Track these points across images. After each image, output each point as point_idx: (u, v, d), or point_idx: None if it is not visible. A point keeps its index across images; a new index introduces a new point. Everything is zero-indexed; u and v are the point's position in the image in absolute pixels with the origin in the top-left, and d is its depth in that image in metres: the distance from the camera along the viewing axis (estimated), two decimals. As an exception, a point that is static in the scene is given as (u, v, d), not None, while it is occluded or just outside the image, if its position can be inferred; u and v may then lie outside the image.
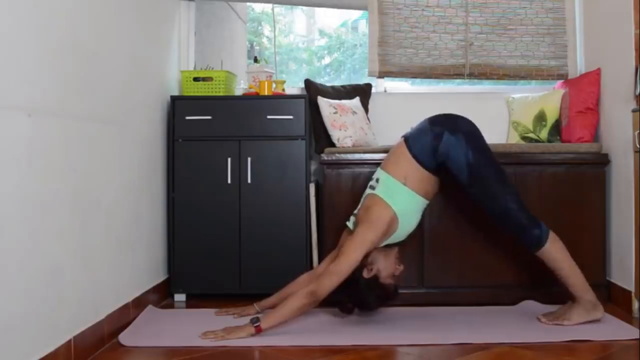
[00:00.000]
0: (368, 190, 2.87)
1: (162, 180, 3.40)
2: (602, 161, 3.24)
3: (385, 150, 3.05)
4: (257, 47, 6.55)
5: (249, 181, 3.36)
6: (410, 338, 2.60)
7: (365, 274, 2.78)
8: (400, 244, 2.90)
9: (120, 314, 2.71)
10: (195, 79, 3.52)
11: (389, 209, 2.74)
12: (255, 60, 3.83)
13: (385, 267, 2.81)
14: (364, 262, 2.76)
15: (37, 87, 2.00)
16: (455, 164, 2.77)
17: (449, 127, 2.80)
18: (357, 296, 2.79)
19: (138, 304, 2.93)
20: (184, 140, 3.38)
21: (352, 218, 2.89)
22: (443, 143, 2.77)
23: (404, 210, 2.77)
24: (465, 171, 2.76)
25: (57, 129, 2.14)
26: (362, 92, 3.74)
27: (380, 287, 2.81)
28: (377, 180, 2.84)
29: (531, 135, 3.61)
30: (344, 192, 3.23)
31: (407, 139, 2.87)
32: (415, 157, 2.79)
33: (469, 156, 2.75)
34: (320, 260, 3.29)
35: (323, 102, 3.45)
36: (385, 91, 3.91)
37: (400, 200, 2.76)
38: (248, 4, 5.14)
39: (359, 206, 2.88)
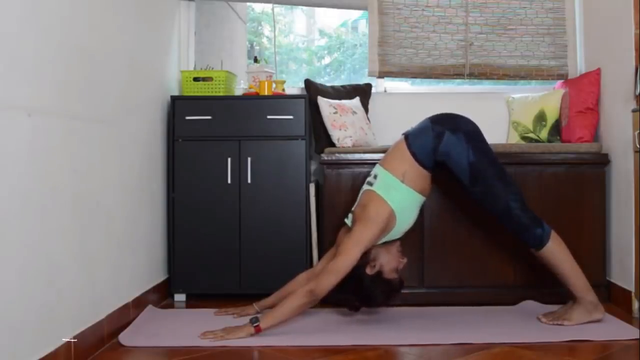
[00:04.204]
0: (365, 187, 2.86)
1: (162, 180, 3.40)
2: (602, 161, 3.24)
3: (385, 150, 3.04)
4: (257, 47, 6.55)
5: (249, 181, 3.36)
6: (410, 338, 2.60)
7: (369, 270, 2.77)
8: (397, 241, 2.90)
9: (120, 314, 2.71)
10: (195, 79, 3.51)
11: (386, 206, 2.74)
12: (255, 60, 3.83)
13: (389, 262, 2.80)
14: (367, 259, 2.76)
15: (37, 87, 2.00)
16: (456, 164, 2.77)
17: (450, 127, 2.80)
18: (363, 293, 2.79)
19: (138, 304, 2.93)
20: (184, 140, 3.38)
21: (350, 215, 2.89)
22: (444, 142, 2.77)
23: (402, 207, 2.77)
24: (467, 171, 2.76)
25: (57, 129, 2.13)
26: (362, 92, 3.74)
27: (385, 282, 2.79)
28: (375, 177, 2.84)
29: (531, 135, 3.61)
30: (344, 192, 3.23)
31: (408, 137, 2.87)
32: (414, 155, 2.79)
33: (470, 156, 2.75)
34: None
35: (323, 102, 3.45)
36: (385, 91, 3.91)
37: (398, 197, 2.76)
38: (248, 4, 5.14)
39: (356, 203, 2.88)
